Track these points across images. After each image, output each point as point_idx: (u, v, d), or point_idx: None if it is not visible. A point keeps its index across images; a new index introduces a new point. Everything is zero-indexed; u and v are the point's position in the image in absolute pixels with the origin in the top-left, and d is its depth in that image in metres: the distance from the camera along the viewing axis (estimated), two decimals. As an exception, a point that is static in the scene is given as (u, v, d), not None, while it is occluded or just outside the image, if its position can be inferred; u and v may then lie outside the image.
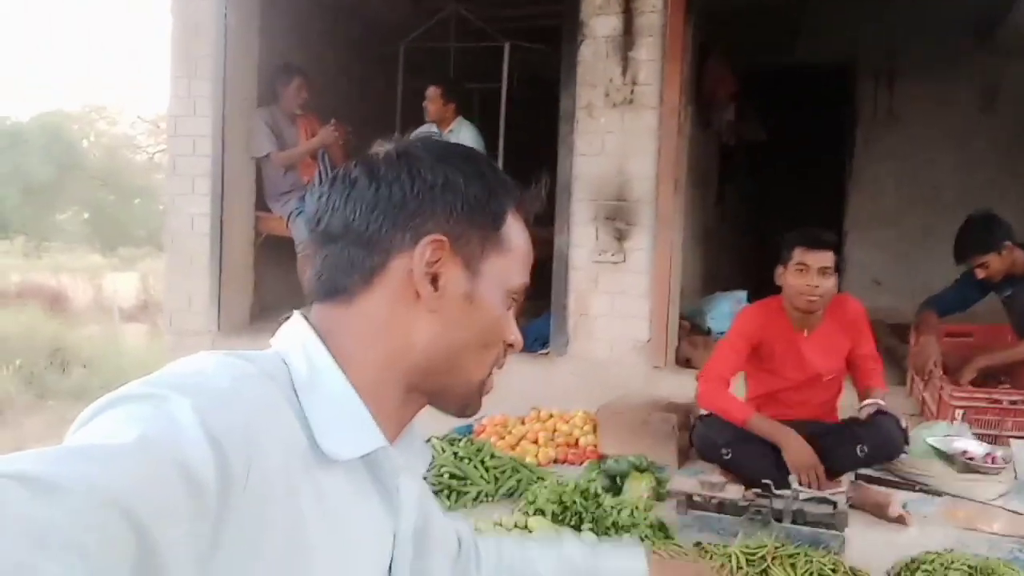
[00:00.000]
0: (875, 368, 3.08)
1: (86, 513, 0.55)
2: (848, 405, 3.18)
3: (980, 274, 3.67)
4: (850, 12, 6.29)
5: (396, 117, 6.26)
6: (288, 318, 0.90)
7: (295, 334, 0.85)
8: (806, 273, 2.90)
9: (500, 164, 5.40)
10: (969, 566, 2.08)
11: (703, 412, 3.07)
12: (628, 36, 4.20)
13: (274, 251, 5.40)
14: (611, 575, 1.20)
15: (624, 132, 4.23)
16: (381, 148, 0.89)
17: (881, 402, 2.89)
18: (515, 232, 0.91)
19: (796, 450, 2.74)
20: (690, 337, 4.55)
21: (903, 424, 2.90)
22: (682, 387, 3.94)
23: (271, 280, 5.48)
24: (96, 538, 0.55)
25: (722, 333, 4.56)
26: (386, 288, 0.84)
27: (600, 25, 4.26)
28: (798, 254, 2.92)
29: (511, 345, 0.94)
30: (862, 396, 3.02)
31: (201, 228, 5.03)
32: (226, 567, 0.66)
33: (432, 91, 5.27)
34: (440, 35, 6.37)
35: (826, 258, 2.90)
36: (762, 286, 4.83)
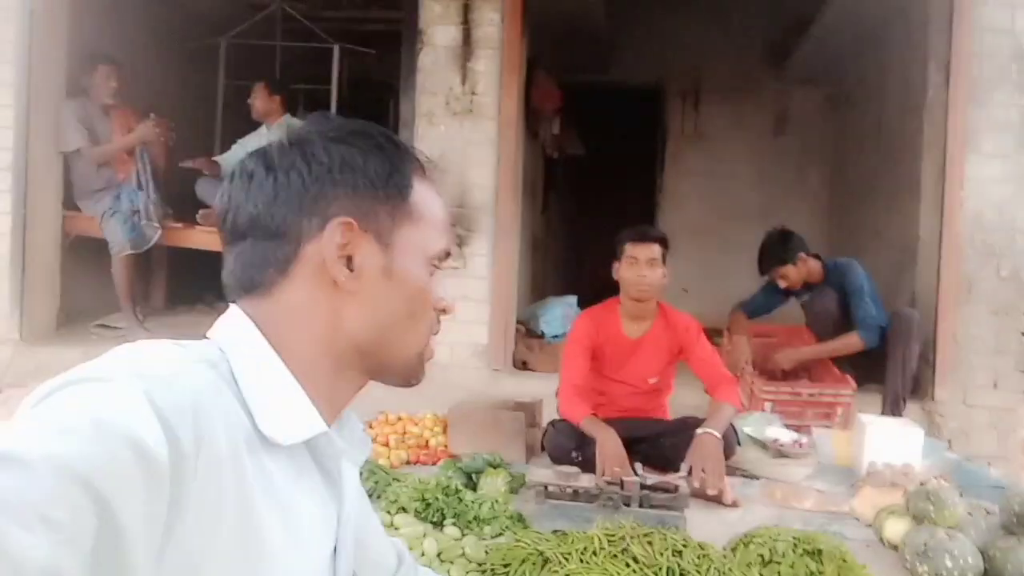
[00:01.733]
0: (720, 376, 3.22)
1: (52, 486, 0.56)
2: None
3: (781, 284, 4.11)
4: (659, 37, 6.80)
5: (217, 114, 6.02)
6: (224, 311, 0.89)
7: (232, 325, 0.85)
8: (636, 264, 3.17)
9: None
10: (794, 538, 2.32)
11: (555, 417, 3.22)
12: (467, 47, 4.32)
13: (84, 253, 5.01)
14: None
15: (464, 141, 4.33)
16: (283, 133, 0.90)
17: (713, 432, 2.93)
18: (425, 198, 0.90)
19: (606, 448, 2.86)
20: (526, 340, 4.71)
21: (726, 446, 3.03)
22: (520, 388, 4.10)
23: (80, 284, 5.08)
24: (62, 511, 0.56)
25: (555, 336, 4.78)
26: (302, 276, 0.84)
27: (440, 35, 4.34)
28: (628, 248, 3.20)
29: (443, 310, 0.94)
30: (709, 408, 3.16)
31: (2, 227, 4.58)
32: (183, 547, 0.66)
33: (257, 87, 5.13)
34: (265, 33, 6.20)
35: (653, 250, 3.18)
36: (585, 293, 5.11)
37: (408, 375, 0.93)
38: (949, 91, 4.21)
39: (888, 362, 4.00)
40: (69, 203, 4.93)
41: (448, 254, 0.95)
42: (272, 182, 0.84)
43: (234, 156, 5.26)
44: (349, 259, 0.84)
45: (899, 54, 5.22)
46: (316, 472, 0.88)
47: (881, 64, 5.68)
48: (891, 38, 5.40)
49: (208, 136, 5.84)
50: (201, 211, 5.05)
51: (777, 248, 4.15)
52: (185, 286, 5.57)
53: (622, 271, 3.22)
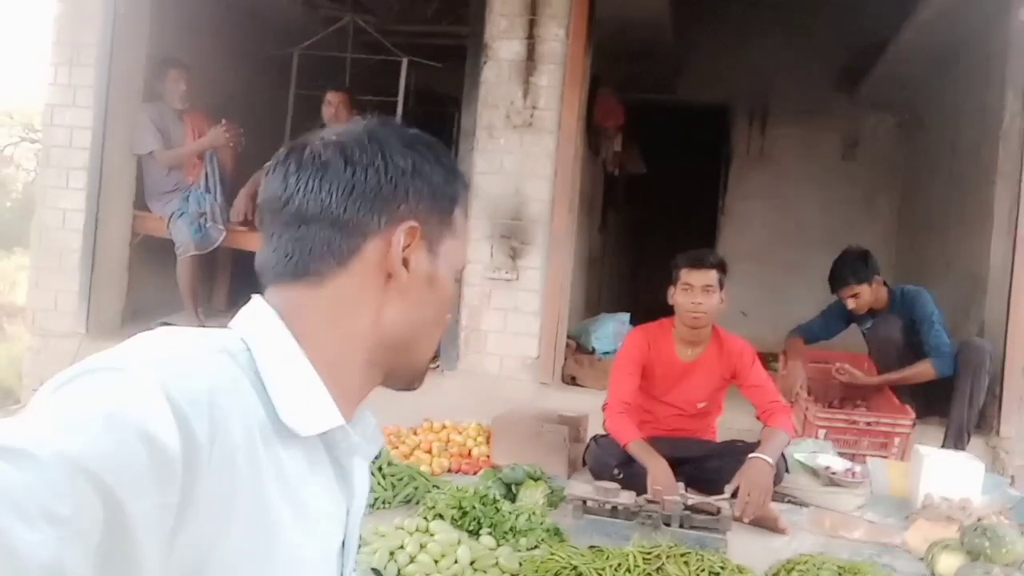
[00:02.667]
0: (773, 404, 3.12)
1: (58, 481, 0.56)
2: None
3: (850, 304, 3.96)
4: (728, 57, 6.73)
5: (286, 122, 6.16)
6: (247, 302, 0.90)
7: (255, 315, 0.86)
8: (690, 292, 3.09)
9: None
10: (838, 566, 2.25)
11: (598, 433, 3.19)
12: (531, 61, 4.33)
13: (151, 252, 5.18)
14: None
15: (523, 154, 4.35)
16: (346, 130, 0.90)
17: (766, 458, 2.84)
18: (461, 215, 0.95)
19: (658, 478, 2.79)
20: (575, 356, 4.69)
21: (775, 474, 2.92)
22: (567, 403, 4.06)
23: (146, 282, 5.24)
24: (68, 506, 0.55)
25: (606, 353, 4.74)
26: (359, 270, 0.86)
27: (504, 49, 4.37)
28: (683, 274, 3.12)
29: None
30: (762, 434, 3.06)
31: (74, 224, 4.77)
32: (195, 538, 0.67)
33: (336, 96, 5.23)
34: (335, 44, 6.34)
35: (709, 276, 3.09)
36: (640, 311, 5.06)
37: (416, 379, 0.96)
38: (1026, 117, 4.06)
39: (955, 393, 3.84)
40: (139, 203, 5.10)
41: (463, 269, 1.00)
42: (350, 175, 0.86)
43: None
44: (406, 261, 0.87)
45: (975, 79, 5.07)
46: (329, 466, 0.88)
47: (956, 89, 5.52)
48: (967, 63, 5.25)
49: (276, 144, 5.98)
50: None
51: (855, 266, 3.99)
52: (247, 288, 5.66)
53: (677, 297, 3.15)
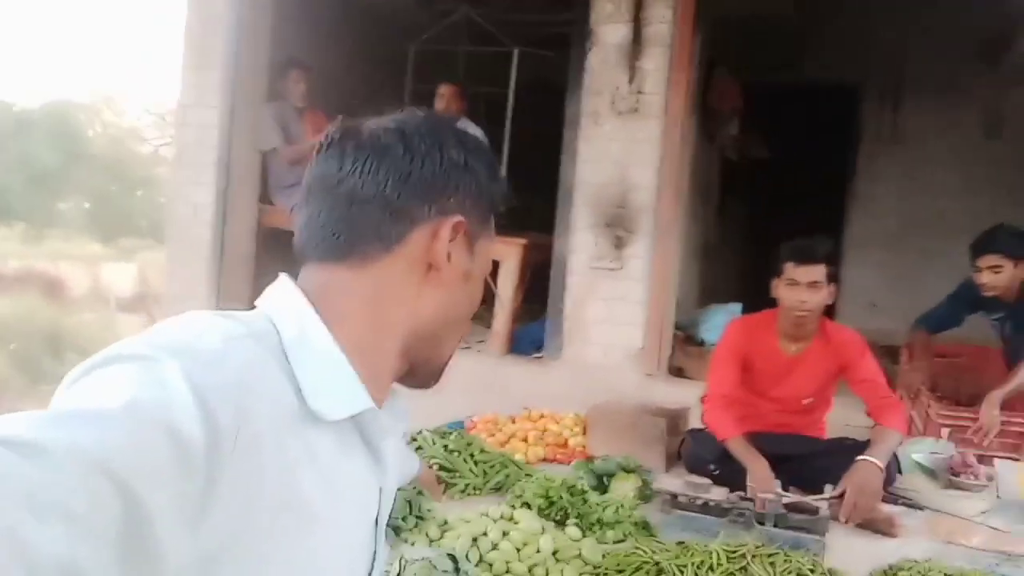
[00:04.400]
0: (885, 400, 2.96)
1: (73, 476, 0.56)
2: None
3: (985, 277, 3.58)
4: (857, 32, 6.36)
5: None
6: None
7: (282, 296, 0.85)
8: (795, 288, 2.92)
9: (504, 170, 5.45)
10: (945, 574, 2.10)
11: (695, 427, 3.11)
12: (636, 45, 4.25)
13: (275, 243, 5.42)
14: None
15: (628, 140, 4.28)
16: (409, 116, 0.91)
17: (876, 460, 2.70)
18: (494, 217, 0.97)
19: (759, 478, 2.69)
20: (684, 347, 4.58)
21: (885, 476, 2.78)
22: (673, 395, 3.98)
23: (271, 271, 5.43)
24: (83, 501, 0.55)
25: (715, 344, 4.61)
26: (403, 257, 0.86)
27: (609, 33, 4.31)
28: (788, 269, 2.94)
29: None
30: (872, 433, 2.93)
31: (204, 217, 5.07)
32: (219, 527, 0.67)
33: (447, 89, 5.32)
34: (448, 38, 6.42)
35: (815, 272, 2.90)
36: (758, 300, 4.88)
37: (434, 376, 0.96)
38: None
39: None
40: (264, 198, 5.36)
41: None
42: (408, 161, 0.87)
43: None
44: (448, 254, 0.88)
45: None
46: (362, 447, 0.89)
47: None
48: None
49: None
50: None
51: (1007, 237, 3.58)
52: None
53: (781, 291, 2.97)
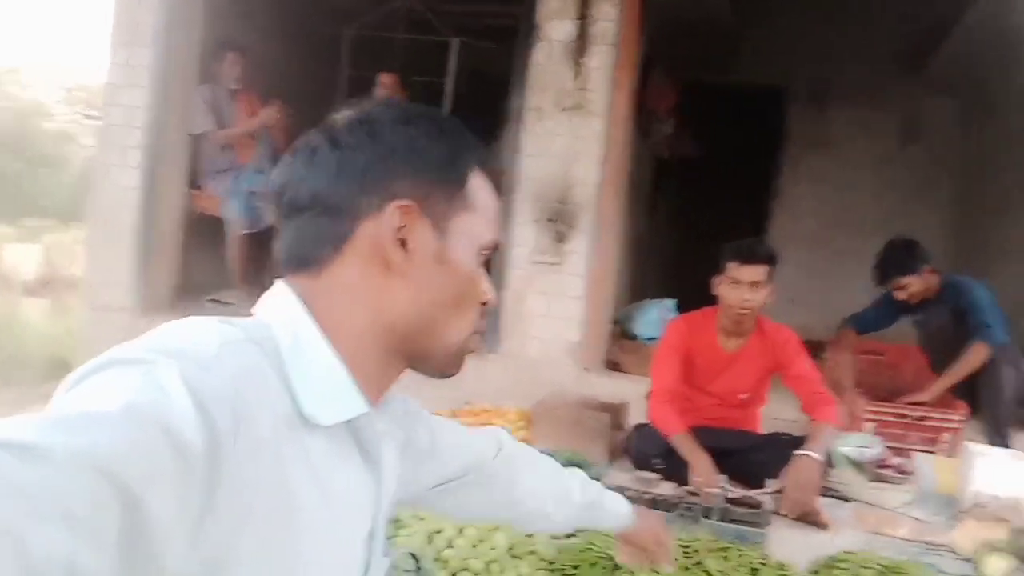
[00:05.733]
0: (818, 395, 3.06)
1: (73, 479, 0.55)
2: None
3: (900, 295, 3.87)
4: (786, 37, 6.56)
5: (338, 103, 6.19)
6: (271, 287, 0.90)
7: (279, 302, 0.85)
8: (738, 287, 3.00)
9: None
10: (882, 565, 2.22)
11: (640, 422, 3.17)
12: (581, 42, 4.28)
13: (204, 230, 5.27)
14: (607, 510, 1.47)
15: (571, 137, 4.31)
16: (341, 115, 0.89)
17: (814, 455, 2.81)
18: (480, 188, 0.91)
19: (703, 473, 2.77)
20: (619, 342, 4.66)
21: (821, 472, 2.89)
22: (609, 389, 4.05)
23: (198, 259, 5.35)
24: (83, 504, 0.55)
25: (650, 339, 4.71)
26: (356, 255, 0.84)
27: (555, 29, 4.33)
28: (732, 268, 3.01)
29: (485, 303, 0.94)
30: (809, 428, 3.02)
31: (130, 201, 4.87)
32: (217, 530, 0.67)
33: (387, 78, 5.27)
34: (386, 25, 6.34)
35: (758, 272, 2.99)
36: (689, 297, 5.00)
37: (445, 366, 0.93)
38: (1097, 103, 3.89)
39: (983, 388, 3.73)
40: (194, 182, 5.20)
41: (496, 246, 0.94)
42: (336, 158, 0.85)
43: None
44: (404, 241, 0.85)
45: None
46: (356, 452, 0.89)
47: (1024, 72, 5.31)
48: (1036, 45, 5.04)
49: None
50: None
51: (901, 257, 3.89)
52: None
53: (723, 290, 3.05)
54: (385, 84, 5.25)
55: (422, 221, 0.85)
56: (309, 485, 0.78)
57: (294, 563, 0.77)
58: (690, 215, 8.36)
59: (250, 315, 0.86)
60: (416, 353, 0.90)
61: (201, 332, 0.76)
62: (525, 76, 4.47)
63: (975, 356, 3.72)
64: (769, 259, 3.01)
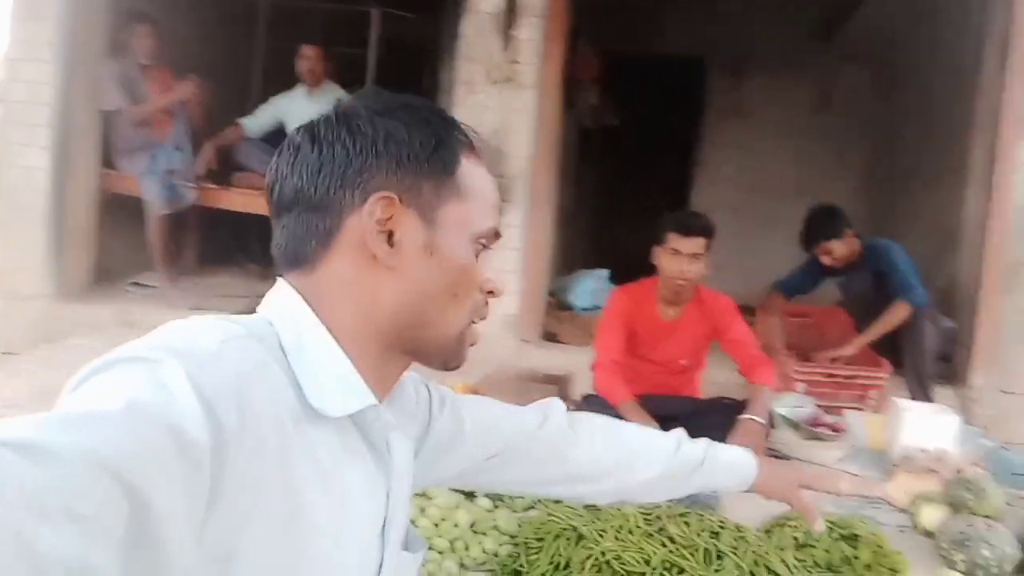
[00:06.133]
0: (754, 357, 3.16)
1: (80, 478, 0.55)
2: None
3: (825, 260, 4.02)
4: (704, 8, 6.66)
5: (255, 76, 6.01)
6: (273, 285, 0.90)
7: (281, 299, 0.86)
8: (677, 257, 3.06)
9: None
10: (830, 522, 2.31)
11: (588, 392, 3.21)
12: (510, 14, 4.24)
13: (121, 212, 5.06)
14: (723, 466, 1.36)
15: (503, 110, 4.28)
16: (324, 113, 0.89)
17: (757, 418, 2.92)
18: (473, 175, 0.90)
19: None
20: (555, 312, 4.70)
21: (765, 435, 3.02)
22: (548, 360, 4.09)
23: (116, 242, 5.13)
24: (90, 503, 0.55)
25: (585, 309, 4.77)
26: (344, 249, 0.84)
27: (483, 1, 4.27)
28: (671, 239, 3.07)
29: (491, 292, 0.93)
30: (749, 392, 3.12)
31: (38, 183, 4.62)
32: (224, 528, 0.67)
33: (311, 50, 5.11)
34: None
35: (697, 244, 3.06)
36: (617, 265, 5.08)
37: (446, 357, 0.92)
38: (1005, 72, 4.08)
39: (903, 346, 3.93)
40: (108, 162, 4.97)
41: (497, 234, 0.93)
42: (317, 154, 0.84)
43: (262, 117, 5.26)
44: (390, 234, 0.84)
45: (952, 34, 5.08)
46: (364, 447, 0.88)
47: (934, 43, 5.53)
48: (944, 17, 5.26)
49: (246, 98, 5.83)
50: (237, 173, 5.08)
51: (824, 222, 4.04)
52: (218, 247, 5.61)
53: (663, 260, 3.11)
54: (307, 56, 5.09)
55: (408, 212, 0.85)
56: (315, 480, 0.78)
57: (300, 558, 0.76)
58: (614, 184, 8.46)
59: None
60: (414, 346, 0.89)
61: (203, 330, 0.75)
62: (454, 48, 4.41)
63: (896, 314, 3.90)
64: (708, 231, 3.09)
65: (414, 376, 1.07)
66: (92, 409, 0.62)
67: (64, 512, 0.53)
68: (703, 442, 1.37)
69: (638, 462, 1.29)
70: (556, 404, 1.27)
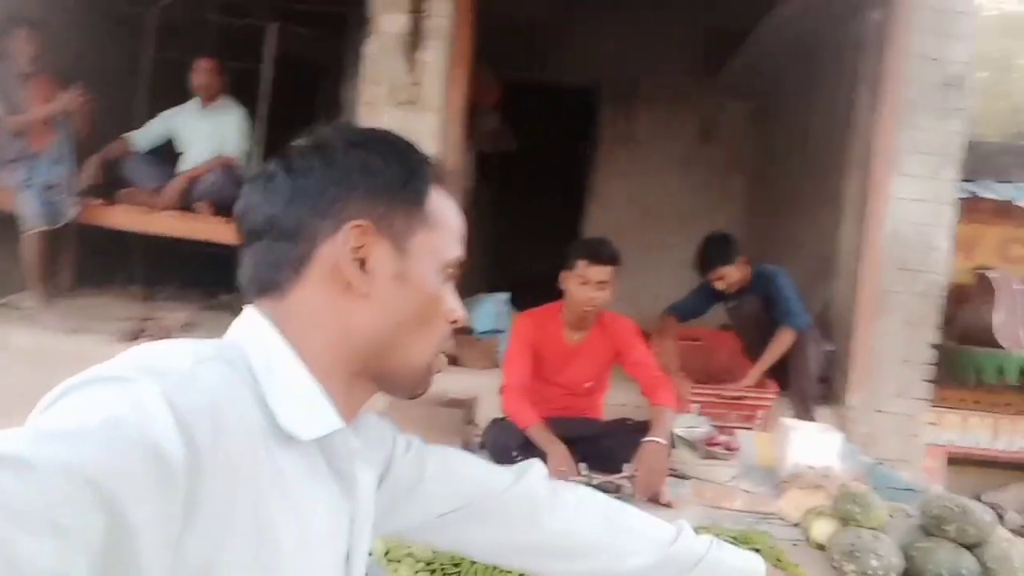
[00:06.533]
0: (656, 379, 3.24)
1: (59, 490, 0.56)
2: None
3: (719, 285, 4.20)
4: (598, 39, 6.88)
5: (142, 88, 5.77)
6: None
7: (249, 324, 0.86)
8: (586, 286, 3.14)
9: (261, 152, 5.20)
10: (732, 537, 2.41)
11: (497, 416, 3.23)
12: (415, 37, 4.26)
13: (-5, 227, 4.75)
14: (727, 566, 1.18)
15: (407, 132, 4.18)
16: (297, 142, 0.90)
17: (660, 440, 2.97)
18: (441, 206, 0.92)
19: (561, 461, 2.87)
20: (456, 336, 4.70)
21: (667, 455, 3.07)
22: (451, 384, 4.08)
23: (-7, 260, 4.81)
24: (69, 515, 0.56)
25: (485, 332, 4.79)
26: (316, 277, 0.85)
27: (388, 22, 4.28)
28: (581, 266, 3.15)
29: (454, 321, 0.94)
30: (651, 413, 3.17)
31: (-99, 195, 4.30)
32: (199, 545, 0.67)
33: (206, 63, 4.95)
34: (196, 5, 5.97)
35: (606, 272, 3.15)
36: (511, 287, 5.13)
37: (414, 385, 0.93)
38: (877, 112, 4.39)
39: (790, 368, 4.16)
40: (-22, 174, 4.66)
41: (462, 262, 0.95)
42: (290, 183, 0.85)
43: (152, 131, 5.07)
44: (362, 262, 0.85)
45: (829, 73, 5.42)
46: (328, 472, 0.88)
47: (811, 81, 5.89)
48: (821, 57, 5.61)
49: (132, 110, 5.59)
50: (123, 189, 4.86)
51: (720, 249, 4.22)
52: (95, 267, 5.33)
53: (571, 286, 3.18)
54: (202, 69, 4.94)
55: (380, 241, 0.86)
56: (283, 504, 0.78)
57: None
58: (510, 209, 8.56)
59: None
60: (382, 373, 0.90)
61: (175, 351, 0.76)
62: (356, 67, 4.39)
63: (782, 341, 4.12)
64: (616, 259, 3.18)
65: (381, 417, 1.07)
66: (69, 425, 0.62)
67: (45, 524, 0.54)
68: (706, 538, 1.21)
69: (627, 545, 1.14)
70: (536, 466, 1.20)
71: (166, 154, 5.12)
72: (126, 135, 4.99)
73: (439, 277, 0.91)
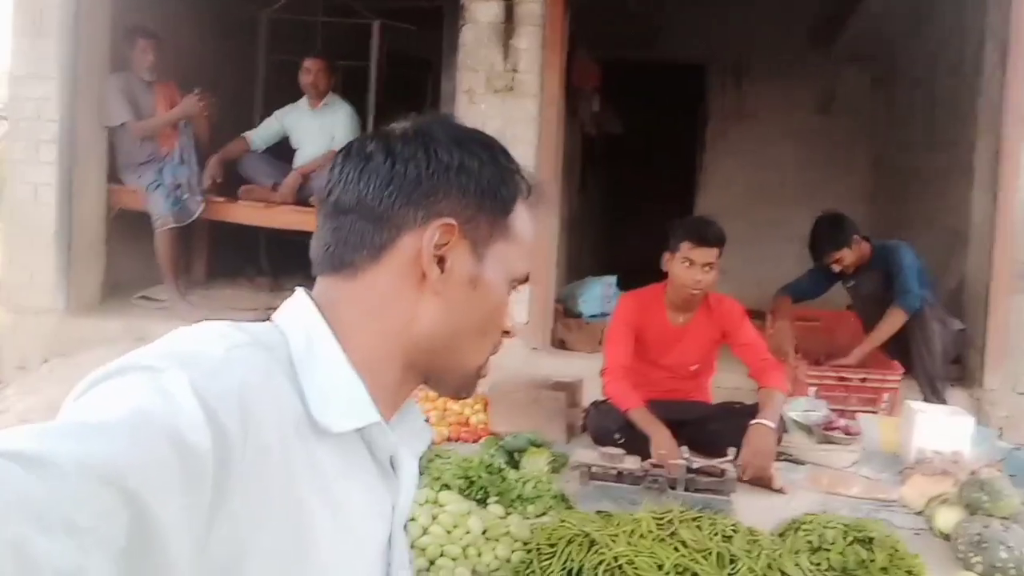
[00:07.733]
0: (765, 361, 3.14)
1: (79, 490, 0.55)
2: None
3: (836, 268, 4.00)
4: (704, 13, 6.66)
5: (257, 89, 6.03)
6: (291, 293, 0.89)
7: (296, 308, 0.86)
8: (692, 268, 3.05)
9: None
10: (844, 525, 2.28)
11: (598, 398, 3.19)
12: (509, 24, 4.25)
13: (128, 226, 5.06)
14: None
15: (505, 119, 4.28)
16: (398, 125, 0.89)
17: (768, 423, 2.88)
18: (523, 221, 0.91)
19: (664, 446, 2.80)
20: (564, 320, 4.69)
21: (776, 439, 2.97)
22: (558, 367, 4.08)
23: (124, 257, 5.14)
24: (88, 514, 0.55)
25: (594, 316, 4.75)
26: (393, 265, 0.85)
27: (481, 11, 4.29)
28: (685, 248, 3.05)
29: (507, 332, 0.94)
30: (759, 396, 3.08)
31: (46, 198, 4.65)
32: (228, 537, 0.66)
33: (314, 63, 5.12)
34: (304, 7, 6.18)
35: (711, 254, 3.04)
36: (622, 270, 5.07)
37: (461, 387, 0.93)
38: (1007, 71, 4.07)
39: (911, 348, 3.90)
40: (113, 177, 4.98)
41: (527, 279, 0.95)
42: (389, 167, 0.85)
43: (267, 130, 5.27)
44: (442, 260, 0.85)
45: (954, 33, 5.07)
46: (370, 462, 0.87)
47: (934, 43, 5.52)
48: (945, 16, 5.25)
49: (249, 111, 5.85)
50: (243, 187, 5.09)
51: (832, 232, 4.02)
52: (226, 260, 5.61)
53: (675, 268, 3.09)
54: (311, 69, 5.10)
55: (462, 243, 0.86)
56: (317, 494, 0.77)
57: (304, 571, 0.76)
58: (619, 191, 8.46)
59: (246, 311, 0.86)
60: (435, 371, 0.90)
61: (209, 337, 0.76)
62: (454, 59, 4.42)
63: (891, 321, 3.89)
64: (721, 241, 3.07)
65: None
66: (94, 418, 0.62)
67: (62, 524, 0.53)
68: None
69: None
70: None
71: (283, 151, 5.33)
72: (244, 134, 5.22)
73: (506, 288, 0.91)
